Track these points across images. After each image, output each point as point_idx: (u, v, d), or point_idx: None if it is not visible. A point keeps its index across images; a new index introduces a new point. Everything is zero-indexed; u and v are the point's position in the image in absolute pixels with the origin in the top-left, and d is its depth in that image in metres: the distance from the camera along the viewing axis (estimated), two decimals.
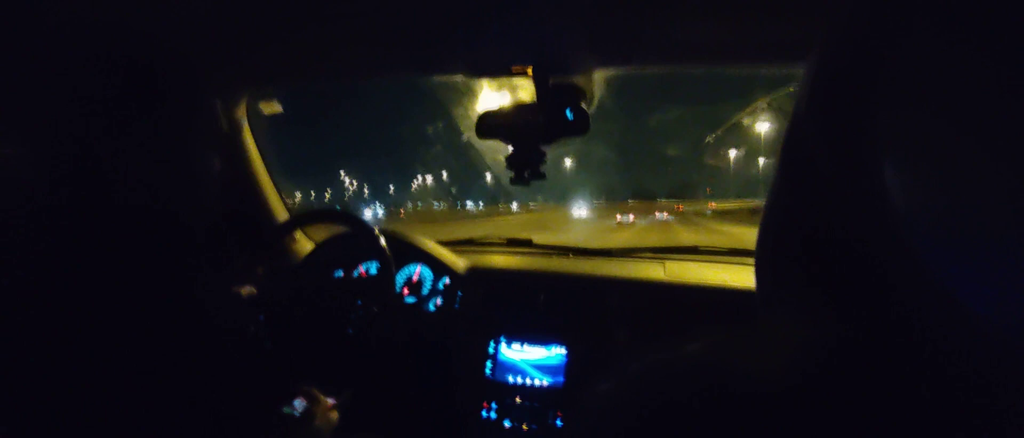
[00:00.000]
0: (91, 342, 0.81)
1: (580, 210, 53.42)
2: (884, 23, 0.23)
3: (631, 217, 32.35)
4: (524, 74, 1.00)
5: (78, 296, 0.80)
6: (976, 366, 0.22)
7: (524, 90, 1.07)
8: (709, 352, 0.34)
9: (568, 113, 1.00)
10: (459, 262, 1.44)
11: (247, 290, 1.14)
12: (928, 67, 0.21)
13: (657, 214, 38.40)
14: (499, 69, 1.01)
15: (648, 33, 0.93)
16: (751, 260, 1.29)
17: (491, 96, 1.13)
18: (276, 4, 0.89)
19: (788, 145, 0.30)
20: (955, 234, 0.20)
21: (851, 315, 0.27)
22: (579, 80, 1.04)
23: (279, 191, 1.52)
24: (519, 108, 1.05)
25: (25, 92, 0.78)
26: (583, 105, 1.03)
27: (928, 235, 0.21)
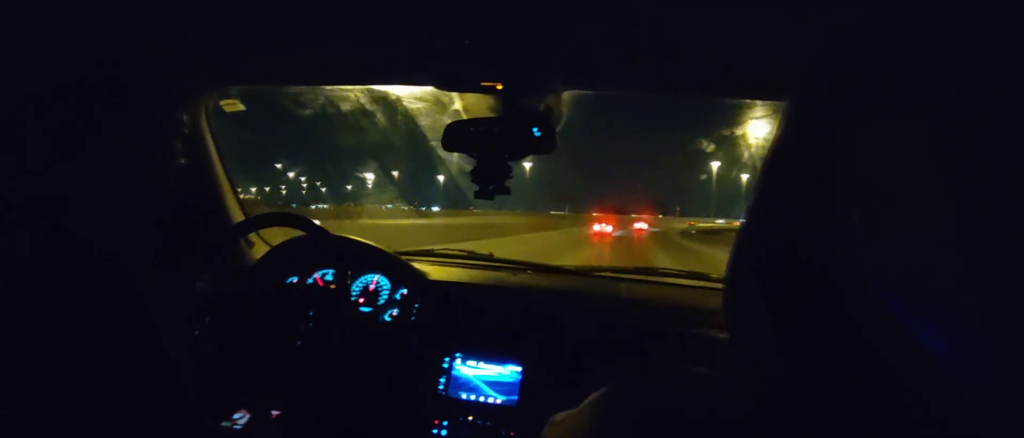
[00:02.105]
0: (20, 338, 0.76)
1: None
2: (866, 69, 0.25)
3: (610, 227, 31.29)
4: (493, 90, 1.00)
5: (8, 290, 0.76)
6: (935, 409, 0.22)
7: (493, 106, 1.07)
8: (671, 382, 0.34)
9: (535, 131, 1.01)
10: (417, 273, 1.42)
11: (195, 290, 1.10)
12: (894, 119, 0.22)
13: (637, 224, 38.37)
14: (469, 84, 1.01)
15: (616, 59, 0.95)
16: (707, 283, 1.31)
17: (459, 108, 1.13)
18: (244, 5, 0.87)
19: (766, 175, 0.31)
20: (912, 276, 0.21)
21: (818, 348, 0.27)
22: (548, 99, 1.05)
23: (235, 191, 1.47)
24: (487, 123, 1.05)
25: None
26: (551, 123, 1.03)
27: (885, 272, 0.22)
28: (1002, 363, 0.19)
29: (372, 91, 1.34)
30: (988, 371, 0.20)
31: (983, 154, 0.19)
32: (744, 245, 0.33)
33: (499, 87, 0.99)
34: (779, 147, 0.30)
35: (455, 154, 1.08)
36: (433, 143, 1.13)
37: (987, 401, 0.20)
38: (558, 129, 1.04)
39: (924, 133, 0.21)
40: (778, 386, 0.29)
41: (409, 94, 1.28)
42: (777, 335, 0.30)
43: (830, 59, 0.28)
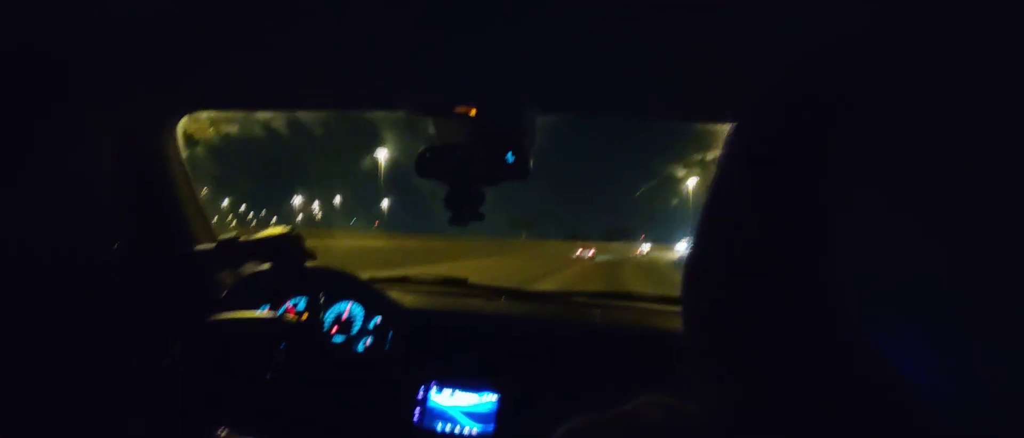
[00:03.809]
0: None
1: None
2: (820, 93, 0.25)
3: (590, 252, 34.25)
4: (467, 116, 1.00)
5: None
6: (912, 421, 0.22)
7: (466, 131, 1.07)
8: (646, 411, 0.33)
9: (509, 156, 1.00)
10: (391, 301, 1.40)
11: (167, 317, 1.07)
12: (863, 139, 0.22)
13: (641, 247, 39.13)
14: (442, 109, 1.01)
15: (591, 84, 0.96)
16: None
17: (432, 134, 1.12)
18: (216, 30, 0.86)
19: (713, 199, 0.31)
20: (890, 298, 0.21)
21: (771, 371, 0.27)
22: (522, 125, 1.05)
23: (205, 218, 1.44)
24: (460, 148, 1.05)
25: None
26: (524, 149, 1.03)
27: (860, 294, 0.21)
28: (981, 377, 0.19)
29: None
30: (962, 383, 0.20)
31: (960, 163, 0.19)
32: (696, 266, 0.32)
33: (472, 112, 0.99)
34: (736, 162, 0.30)
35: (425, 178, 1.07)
36: (390, 167, 1.13)
37: (963, 414, 0.20)
38: (532, 155, 1.04)
39: (900, 144, 0.21)
40: (743, 409, 0.28)
41: (383, 120, 1.27)
42: (734, 358, 0.29)
43: (800, 73, 0.28)
